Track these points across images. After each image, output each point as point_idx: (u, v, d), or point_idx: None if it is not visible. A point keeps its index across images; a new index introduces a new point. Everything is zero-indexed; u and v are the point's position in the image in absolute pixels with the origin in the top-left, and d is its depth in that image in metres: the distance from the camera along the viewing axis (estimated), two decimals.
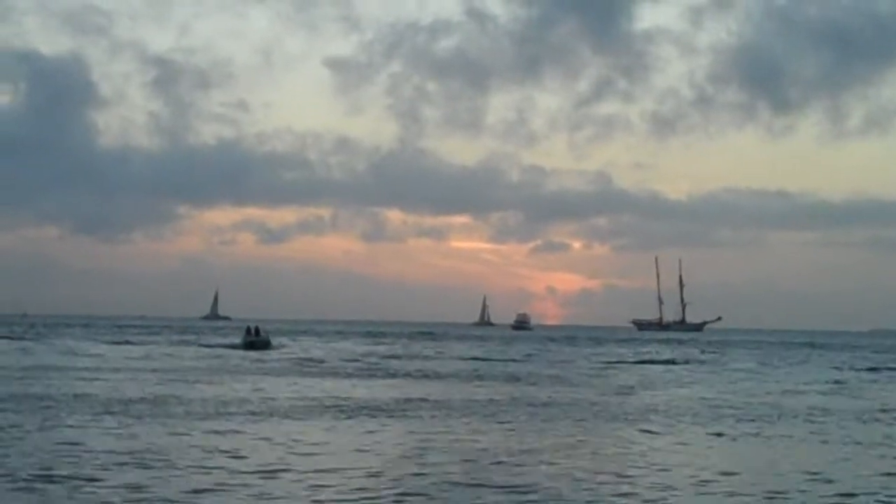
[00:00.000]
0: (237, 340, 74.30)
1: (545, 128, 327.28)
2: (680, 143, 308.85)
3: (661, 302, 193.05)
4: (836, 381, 47.82)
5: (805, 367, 63.70)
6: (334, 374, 45.83)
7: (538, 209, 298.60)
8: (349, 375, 44.84)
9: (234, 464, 17.63)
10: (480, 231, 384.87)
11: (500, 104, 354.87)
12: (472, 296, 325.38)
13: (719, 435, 23.98)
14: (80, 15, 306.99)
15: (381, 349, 77.56)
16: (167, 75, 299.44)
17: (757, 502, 15.48)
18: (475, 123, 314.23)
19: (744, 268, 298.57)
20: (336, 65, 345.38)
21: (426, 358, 65.03)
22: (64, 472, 16.31)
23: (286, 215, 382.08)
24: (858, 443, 23.24)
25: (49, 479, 15.75)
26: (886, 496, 16.19)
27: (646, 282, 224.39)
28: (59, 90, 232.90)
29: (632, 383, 43.07)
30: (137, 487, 15.19)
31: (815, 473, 18.18)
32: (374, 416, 26.28)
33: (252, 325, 74.57)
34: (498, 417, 26.79)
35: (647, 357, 72.02)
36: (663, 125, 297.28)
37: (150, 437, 20.84)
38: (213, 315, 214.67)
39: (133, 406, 27.30)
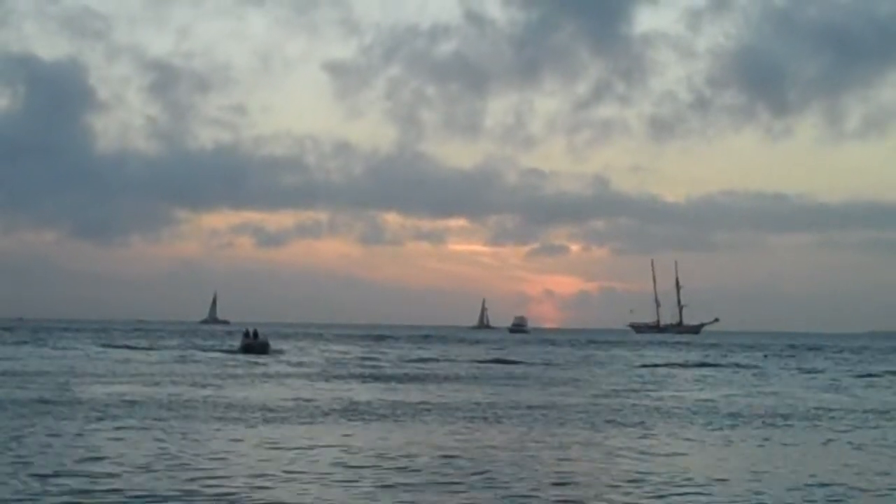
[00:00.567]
0: (236, 344, 74.33)
1: (543, 131, 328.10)
2: (678, 146, 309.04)
3: (657, 304, 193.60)
4: None
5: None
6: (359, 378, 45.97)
7: (536, 212, 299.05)
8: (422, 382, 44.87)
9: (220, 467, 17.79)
10: (478, 234, 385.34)
11: (498, 107, 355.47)
12: (469, 299, 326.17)
13: None
14: (78, 19, 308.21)
15: (420, 353, 77.20)
16: (165, 79, 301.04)
17: None
18: (473, 127, 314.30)
19: (742, 270, 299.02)
20: (335, 68, 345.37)
21: (468, 362, 65.00)
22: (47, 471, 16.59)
23: (284, 219, 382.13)
24: None
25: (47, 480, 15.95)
26: None
27: (643, 285, 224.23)
28: (58, 94, 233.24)
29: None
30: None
31: None
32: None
33: (251, 329, 74.51)
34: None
35: (694, 361, 71.98)
36: (661, 128, 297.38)
37: (141, 441, 21.02)
38: (212, 319, 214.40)
39: (127, 408, 27.48)
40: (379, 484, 16.49)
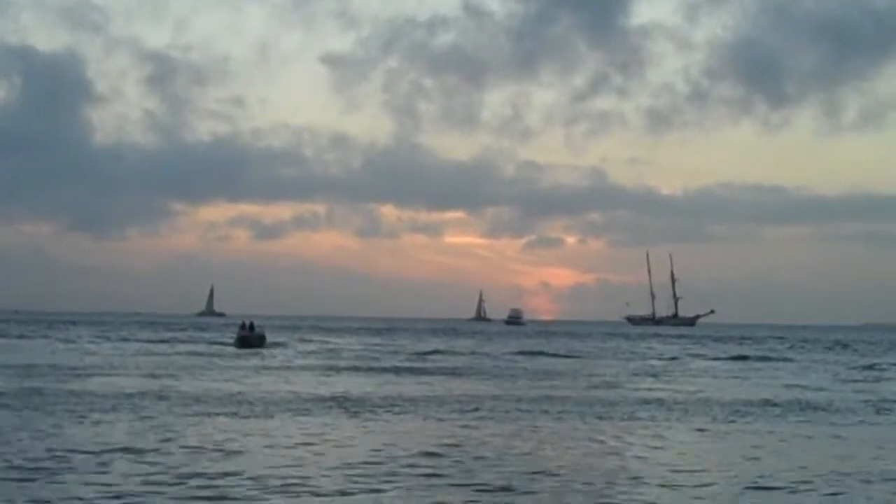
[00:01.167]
0: (232, 336, 73.91)
1: (541, 123, 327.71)
2: (675, 139, 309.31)
3: (653, 297, 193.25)
4: None
5: None
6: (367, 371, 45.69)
7: (533, 204, 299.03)
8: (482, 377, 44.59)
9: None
10: (474, 226, 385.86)
11: (495, 100, 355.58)
12: (466, 291, 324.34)
13: None
14: (76, 11, 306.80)
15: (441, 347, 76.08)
16: (163, 72, 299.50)
17: None
18: (471, 119, 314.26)
19: (738, 263, 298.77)
20: (332, 61, 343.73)
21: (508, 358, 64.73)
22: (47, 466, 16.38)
23: (281, 211, 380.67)
24: None
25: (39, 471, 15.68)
26: None
27: (639, 277, 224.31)
28: (55, 86, 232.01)
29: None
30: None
31: None
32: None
33: (247, 321, 73.96)
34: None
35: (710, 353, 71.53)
36: (658, 120, 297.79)
37: (133, 430, 20.73)
38: (209, 311, 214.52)
39: (125, 401, 27.16)
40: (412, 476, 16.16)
